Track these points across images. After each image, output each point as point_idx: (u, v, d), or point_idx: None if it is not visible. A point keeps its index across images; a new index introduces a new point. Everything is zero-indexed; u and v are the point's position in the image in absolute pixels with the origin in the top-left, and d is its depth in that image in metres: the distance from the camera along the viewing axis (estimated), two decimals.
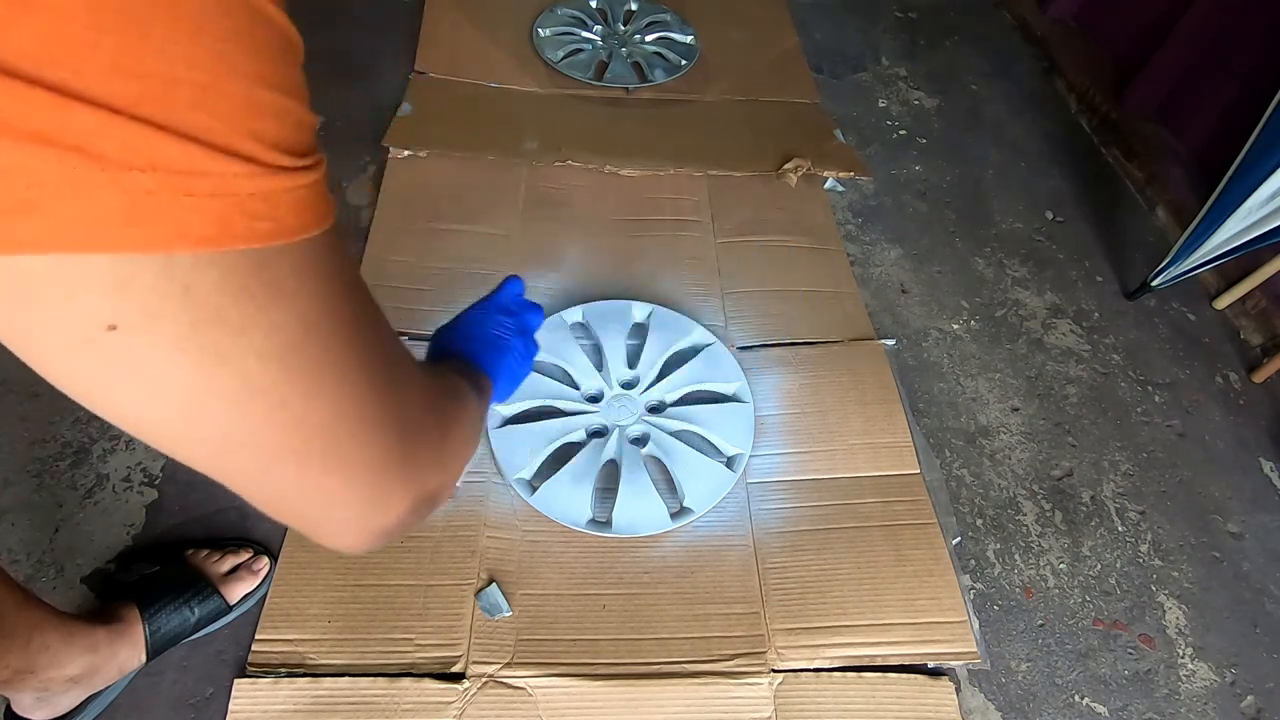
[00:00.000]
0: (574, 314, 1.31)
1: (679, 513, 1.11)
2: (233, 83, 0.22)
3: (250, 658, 0.94)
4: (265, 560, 1.00)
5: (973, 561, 1.16)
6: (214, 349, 0.24)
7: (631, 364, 1.27)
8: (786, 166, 1.61)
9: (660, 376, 1.25)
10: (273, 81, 0.23)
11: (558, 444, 1.15)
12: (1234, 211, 1.27)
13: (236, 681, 0.92)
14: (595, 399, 1.22)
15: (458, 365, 0.62)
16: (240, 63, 0.22)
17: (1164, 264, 1.45)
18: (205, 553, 0.98)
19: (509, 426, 1.17)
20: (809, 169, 1.62)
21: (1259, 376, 1.46)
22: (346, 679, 0.94)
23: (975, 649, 1.04)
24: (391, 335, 0.37)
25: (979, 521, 1.20)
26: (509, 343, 0.68)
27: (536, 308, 0.75)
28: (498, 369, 0.65)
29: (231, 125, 0.22)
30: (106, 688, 0.87)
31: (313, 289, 0.27)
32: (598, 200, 1.55)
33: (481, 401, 0.57)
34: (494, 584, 1.03)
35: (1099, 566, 1.18)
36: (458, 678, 0.95)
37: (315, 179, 0.26)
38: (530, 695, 0.95)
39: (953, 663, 1.04)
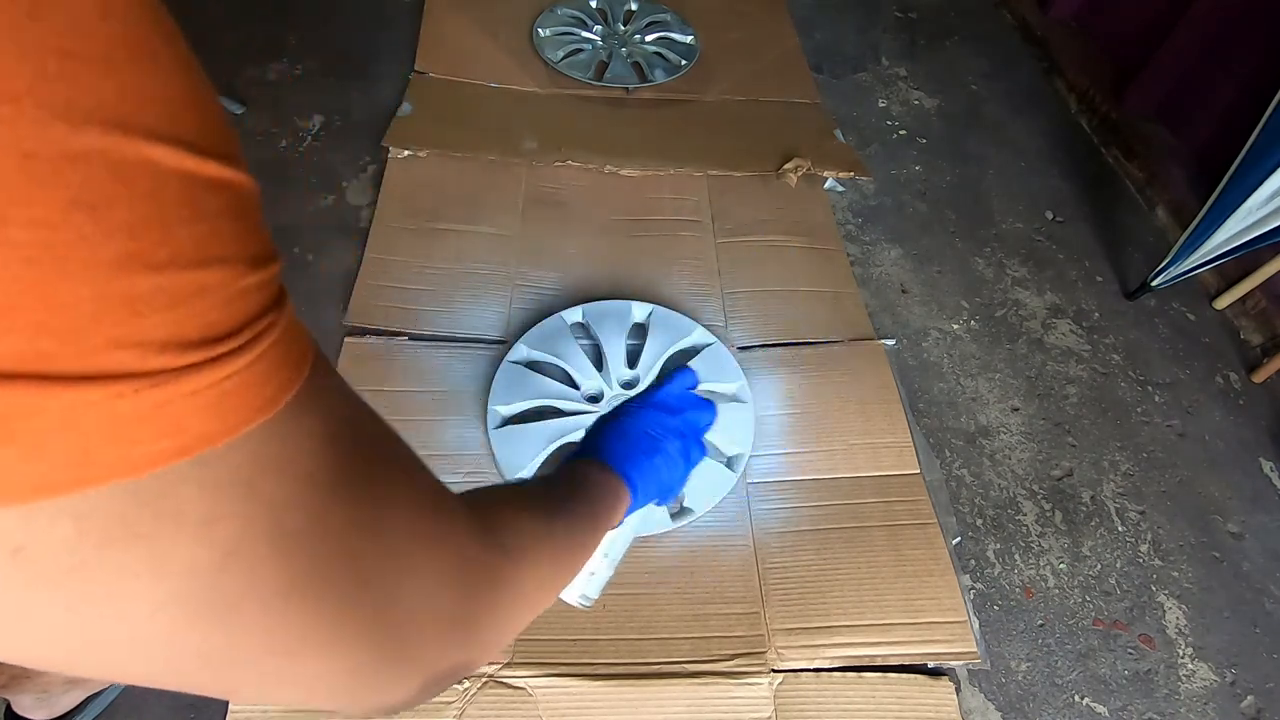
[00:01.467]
0: (574, 314, 1.31)
1: (679, 513, 1.11)
2: (76, 282, 0.16)
3: None
4: None
5: (973, 561, 1.16)
6: (78, 605, 0.19)
7: (631, 364, 1.27)
8: (786, 166, 1.61)
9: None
10: (172, 256, 0.18)
11: (558, 444, 1.15)
12: (1234, 211, 1.27)
13: None
14: (595, 399, 1.22)
15: (590, 470, 0.56)
16: (92, 247, 0.16)
17: (1164, 264, 1.45)
18: None
19: (509, 426, 1.17)
20: (809, 169, 1.62)
21: (1259, 376, 1.46)
22: None
23: (975, 649, 1.04)
24: (403, 493, 0.29)
25: (979, 521, 1.20)
26: (659, 445, 0.61)
27: (707, 405, 0.69)
28: (640, 473, 0.59)
29: (78, 342, 0.17)
30: (106, 688, 0.87)
31: (244, 501, 0.21)
32: (598, 200, 1.55)
33: (597, 517, 0.52)
34: None
35: (1099, 566, 1.18)
36: None
37: (256, 356, 0.21)
38: (530, 695, 0.95)
39: (953, 663, 1.04)
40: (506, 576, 0.36)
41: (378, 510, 0.27)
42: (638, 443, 0.60)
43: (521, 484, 0.50)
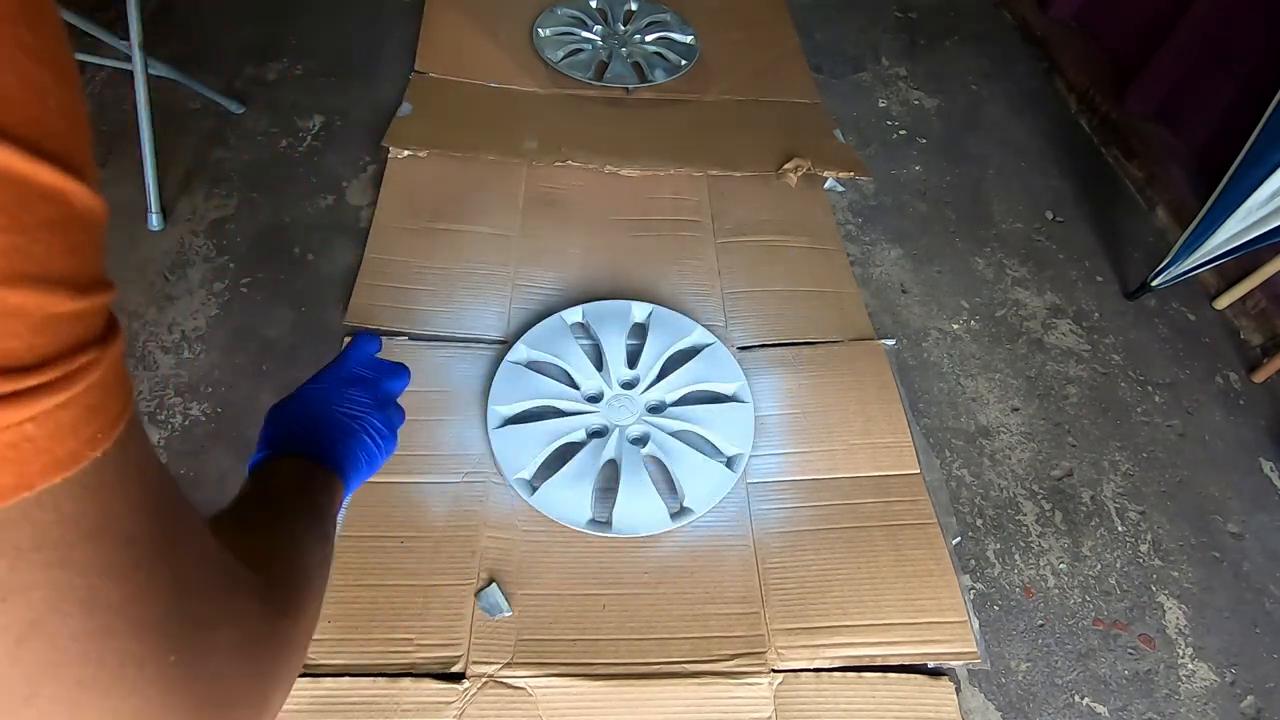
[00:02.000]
0: (574, 314, 1.31)
1: (679, 513, 1.11)
2: None
3: None
4: None
5: (973, 561, 1.16)
6: None
7: (631, 364, 1.27)
8: (786, 166, 1.61)
9: (660, 376, 1.25)
10: None
11: (558, 444, 1.15)
12: (1234, 211, 1.27)
13: None
14: (595, 399, 1.22)
15: (302, 472, 0.50)
16: None
17: (1164, 264, 1.45)
18: None
19: (509, 426, 1.17)
20: (809, 169, 1.61)
21: (1259, 376, 1.46)
22: (346, 679, 0.94)
23: (975, 649, 1.04)
24: (184, 574, 0.26)
25: (979, 521, 1.20)
26: (363, 421, 0.55)
27: (399, 368, 0.62)
28: (348, 458, 0.53)
29: None
30: None
31: (53, 567, 0.19)
32: (598, 200, 1.55)
33: (328, 528, 0.47)
34: (494, 584, 1.03)
35: (1099, 566, 1.18)
36: (458, 678, 0.95)
37: (67, 398, 0.18)
38: (530, 695, 0.95)
39: (953, 663, 1.04)
40: (289, 637, 0.35)
41: (186, 584, 0.26)
42: (340, 428, 0.53)
43: (254, 509, 0.45)
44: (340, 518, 0.57)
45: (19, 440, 0.17)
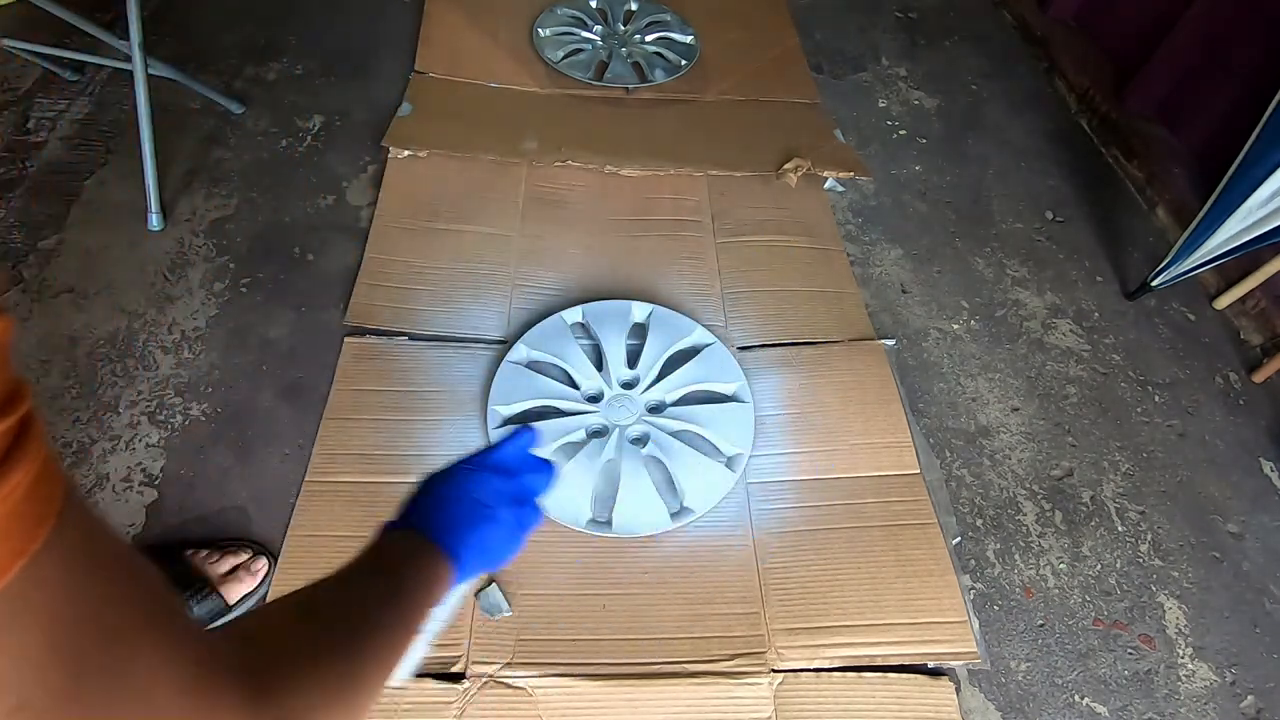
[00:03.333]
0: (574, 314, 1.31)
1: (679, 513, 1.11)
2: None
3: None
4: (264, 561, 1.00)
5: (973, 561, 1.16)
6: None
7: (631, 364, 1.27)
8: (786, 166, 1.61)
9: (660, 376, 1.25)
10: None
11: (558, 444, 1.15)
12: (1234, 211, 1.27)
13: None
14: (595, 399, 1.22)
15: (405, 550, 0.49)
16: None
17: (1164, 264, 1.45)
18: (205, 553, 0.98)
19: (509, 427, 1.17)
20: (809, 169, 1.61)
21: (1259, 376, 1.46)
22: None
23: (975, 649, 1.04)
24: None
25: (979, 521, 1.20)
26: (493, 513, 0.54)
27: (546, 466, 0.61)
28: (467, 547, 0.51)
29: None
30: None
31: None
32: (598, 200, 1.55)
33: (407, 616, 0.45)
34: (494, 584, 1.03)
35: (1099, 566, 1.18)
36: (458, 678, 0.95)
37: None
38: (530, 695, 0.95)
39: (953, 663, 1.04)
40: None
41: (131, 697, 0.24)
42: (467, 512, 0.53)
43: (314, 596, 0.42)
44: (447, 611, 0.56)
45: None
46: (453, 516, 0.52)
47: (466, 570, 0.51)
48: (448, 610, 0.57)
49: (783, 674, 0.99)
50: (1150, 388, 1.42)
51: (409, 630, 0.45)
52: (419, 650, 0.55)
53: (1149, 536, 1.22)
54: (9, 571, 0.19)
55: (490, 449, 0.59)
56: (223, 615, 0.95)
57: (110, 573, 0.25)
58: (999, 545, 1.18)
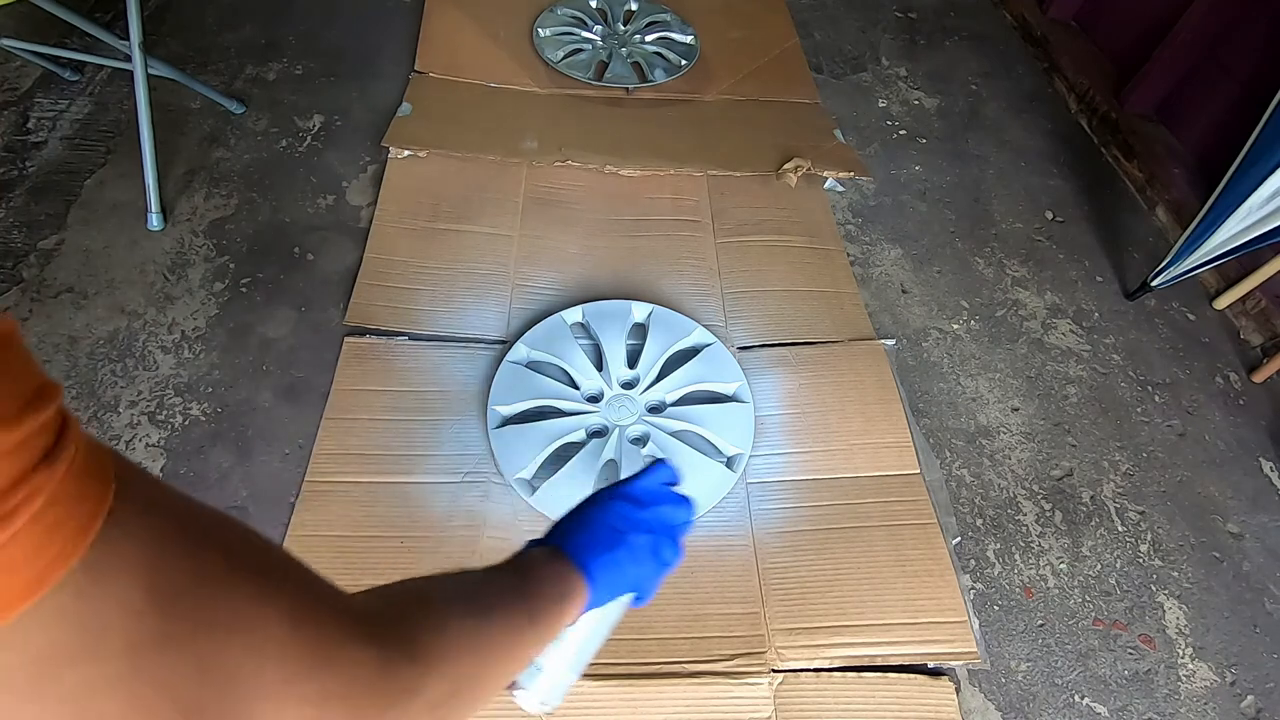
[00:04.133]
0: (574, 314, 1.31)
1: None
2: None
3: None
4: None
5: (973, 561, 1.16)
6: None
7: (631, 364, 1.27)
8: (786, 166, 1.61)
9: (660, 376, 1.25)
10: None
11: (558, 444, 1.15)
12: (1234, 211, 1.27)
13: None
14: (595, 399, 1.22)
15: (541, 559, 0.51)
16: None
17: (1164, 264, 1.45)
18: None
19: (509, 426, 1.17)
20: (809, 169, 1.61)
21: (1259, 376, 1.46)
22: None
23: (975, 649, 1.04)
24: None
25: (979, 521, 1.20)
26: (623, 538, 0.54)
27: (684, 501, 0.61)
28: (600, 567, 0.52)
29: None
30: None
31: (40, 699, 0.19)
32: (598, 200, 1.55)
33: (538, 614, 0.46)
34: None
35: (1099, 566, 1.18)
36: None
37: (9, 536, 0.18)
38: None
39: (953, 663, 1.04)
40: (412, 687, 0.33)
41: (229, 650, 0.24)
42: (599, 534, 0.54)
43: (448, 575, 0.43)
44: (604, 629, 0.58)
45: None
46: (589, 537, 0.54)
47: (600, 592, 0.52)
48: (598, 635, 0.57)
49: (783, 674, 0.99)
50: (1150, 388, 1.42)
51: (536, 626, 0.46)
52: (567, 674, 0.56)
53: (1149, 536, 1.22)
54: (95, 523, 0.20)
55: (629, 479, 0.60)
56: None
57: (189, 521, 0.25)
58: (999, 545, 1.18)
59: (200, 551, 0.25)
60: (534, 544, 0.54)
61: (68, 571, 0.19)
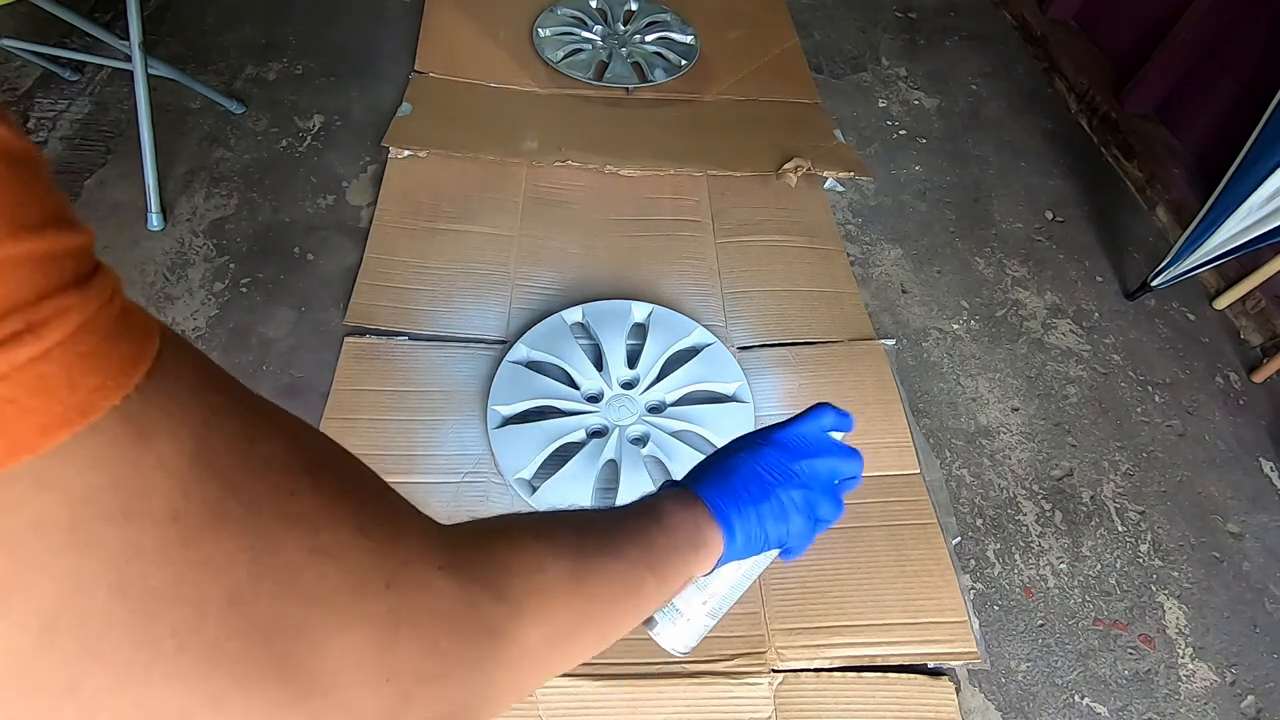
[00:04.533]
0: (574, 314, 1.31)
1: None
2: None
3: None
4: None
5: (973, 561, 1.16)
6: None
7: (631, 364, 1.27)
8: (786, 166, 1.61)
9: (660, 376, 1.25)
10: None
11: (558, 444, 1.15)
12: (1234, 211, 1.27)
13: None
14: (595, 399, 1.22)
15: (673, 502, 0.46)
16: None
17: (1164, 264, 1.45)
18: None
19: (509, 426, 1.17)
20: (809, 169, 1.61)
21: (1259, 376, 1.46)
22: None
23: (975, 649, 1.04)
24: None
25: (979, 521, 1.20)
26: (771, 489, 0.49)
27: (850, 453, 0.54)
28: (741, 516, 0.47)
29: None
30: None
31: (65, 554, 0.17)
32: (598, 200, 1.55)
33: (658, 562, 0.42)
34: None
35: (1099, 566, 1.18)
36: None
37: (39, 353, 0.16)
38: (530, 695, 0.95)
39: (953, 663, 1.04)
40: (499, 627, 0.30)
41: (286, 544, 0.22)
42: (744, 481, 0.49)
43: (563, 512, 0.40)
44: (746, 579, 0.54)
45: None
46: (732, 485, 0.48)
47: (737, 544, 0.47)
48: (741, 582, 0.53)
49: (783, 674, 0.99)
50: (1150, 388, 1.42)
51: (657, 576, 0.42)
52: (705, 619, 0.52)
53: (1149, 536, 1.22)
54: (138, 369, 0.19)
55: (784, 424, 0.54)
56: None
57: (245, 399, 0.23)
58: (999, 545, 1.18)
59: (255, 431, 0.22)
60: (671, 484, 0.49)
61: (106, 414, 0.18)
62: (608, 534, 0.40)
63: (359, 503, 0.25)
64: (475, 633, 0.28)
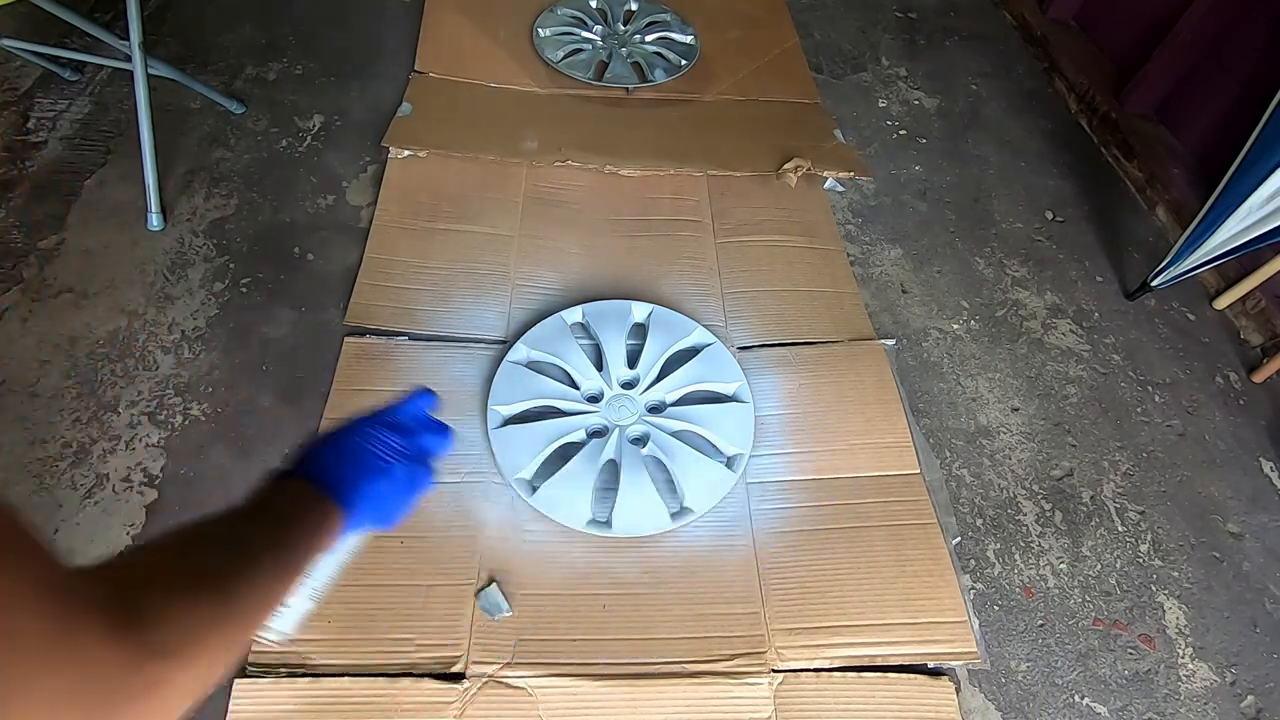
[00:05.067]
0: (574, 314, 1.31)
1: (679, 513, 1.11)
2: None
3: (251, 658, 0.94)
4: None
5: (973, 561, 1.16)
6: None
7: (631, 364, 1.27)
8: (786, 166, 1.61)
9: (660, 376, 1.25)
10: None
11: (558, 444, 1.15)
12: (1234, 211, 1.27)
13: (237, 681, 0.92)
14: (595, 399, 1.22)
15: (295, 494, 0.49)
16: None
17: (1164, 264, 1.45)
18: None
19: (509, 426, 1.17)
20: (809, 169, 1.61)
21: (1259, 376, 1.46)
22: (347, 679, 0.94)
23: (975, 649, 1.04)
24: None
25: (979, 521, 1.20)
26: (386, 466, 0.54)
27: (444, 429, 0.61)
28: (362, 497, 0.51)
29: None
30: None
31: None
32: (598, 200, 1.55)
33: (293, 560, 0.45)
34: (494, 584, 1.03)
35: (1099, 566, 1.18)
36: (458, 678, 0.95)
37: None
38: (530, 695, 0.95)
39: (953, 663, 1.04)
40: (160, 679, 0.31)
41: None
42: (363, 464, 0.53)
43: (200, 533, 0.42)
44: (336, 562, 0.56)
45: None
46: (346, 467, 0.52)
47: (357, 521, 0.52)
48: (336, 561, 0.56)
49: (783, 674, 0.99)
50: (1150, 388, 1.42)
51: (291, 573, 0.45)
52: (302, 606, 0.55)
53: (1149, 536, 1.22)
54: None
55: (388, 407, 0.59)
56: None
57: None
58: (999, 545, 1.18)
59: None
60: (282, 475, 0.51)
61: None
62: (245, 547, 0.42)
63: (41, 589, 0.26)
64: (137, 694, 0.30)
